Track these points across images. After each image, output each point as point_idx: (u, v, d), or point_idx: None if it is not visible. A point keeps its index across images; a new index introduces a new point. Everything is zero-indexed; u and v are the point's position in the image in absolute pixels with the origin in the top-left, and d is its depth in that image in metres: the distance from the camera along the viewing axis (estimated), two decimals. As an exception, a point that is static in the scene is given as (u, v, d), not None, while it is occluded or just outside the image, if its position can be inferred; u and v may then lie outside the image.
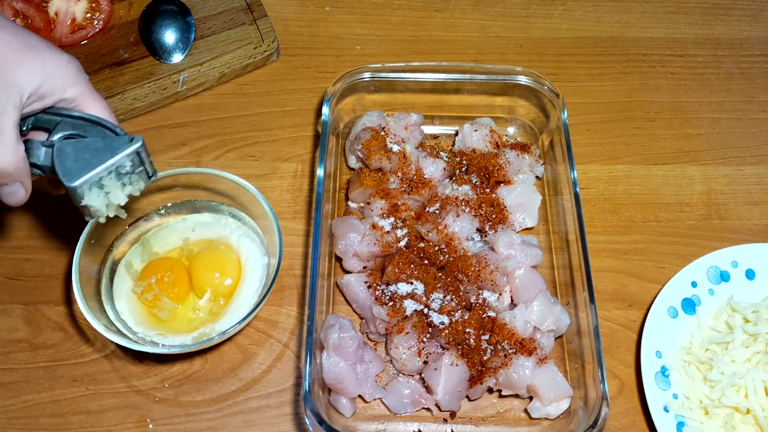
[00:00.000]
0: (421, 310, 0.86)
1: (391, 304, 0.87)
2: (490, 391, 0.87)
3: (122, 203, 0.70)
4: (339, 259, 0.93)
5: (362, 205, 0.97)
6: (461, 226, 0.91)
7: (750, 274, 0.94)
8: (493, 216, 0.94)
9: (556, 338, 0.89)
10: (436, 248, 0.90)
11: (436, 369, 0.83)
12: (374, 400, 0.86)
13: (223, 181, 0.90)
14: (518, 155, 0.98)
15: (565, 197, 0.94)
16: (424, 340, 0.85)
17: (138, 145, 0.68)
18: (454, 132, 1.06)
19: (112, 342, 0.84)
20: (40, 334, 0.90)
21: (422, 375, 0.85)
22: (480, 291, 0.88)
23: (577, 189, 0.92)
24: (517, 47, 1.19)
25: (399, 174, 0.95)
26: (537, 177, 1.01)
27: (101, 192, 0.68)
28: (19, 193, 0.67)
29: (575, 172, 0.93)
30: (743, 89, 1.16)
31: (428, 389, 0.85)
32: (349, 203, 0.99)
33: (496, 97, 1.05)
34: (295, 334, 0.92)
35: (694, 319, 0.91)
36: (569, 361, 0.89)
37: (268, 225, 0.88)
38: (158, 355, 0.89)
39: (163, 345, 0.83)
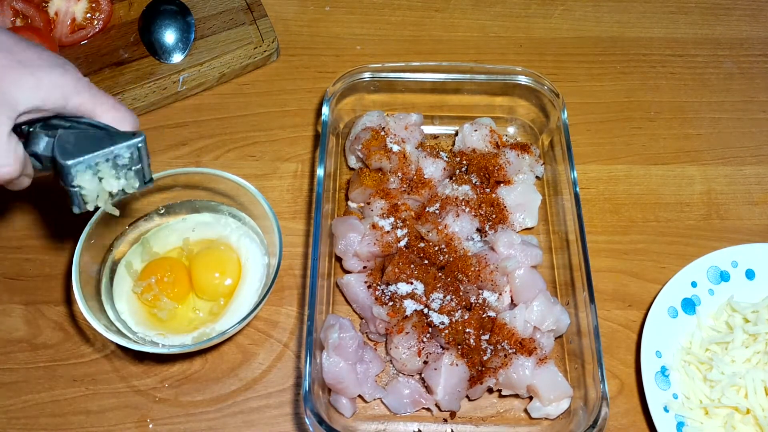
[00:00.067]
0: (421, 310, 0.86)
1: (391, 304, 0.87)
2: (490, 391, 0.87)
3: (114, 191, 0.70)
4: (339, 259, 0.93)
5: (362, 205, 0.97)
6: (461, 226, 0.91)
7: (750, 274, 0.94)
8: (493, 216, 0.94)
9: (556, 338, 0.89)
10: (436, 248, 0.90)
11: (436, 369, 0.83)
12: (374, 400, 0.86)
13: (223, 181, 0.90)
14: (518, 155, 0.98)
15: (565, 197, 0.94)
16: (424, 340, 0.85)
17: (139, 139, 0.68)
18: (454, 132, 1.06)
19: (112, 342, 0.85)
20: (40, 334, 0.90)
21: (422, 375, 0.85)
22: (480, 291, 0.88)
23: (577, 189, 0.92)
24: (517, 47, 1.19)
25: (399, 174, 0.95)
26: (537, 177, 1.01)
27: (94, 177, 0.67)
28: (23, 183, 0.69)
29: (575, 172, 0.93)
30: (743, 89, 1.16)
31: (428, 389, 0.85)
32: (349, 203, 0.99)
33: (496, 97, 1.05)
34: (295, 334, 0.92)
35: (694, 319, 0.91)
36: (569, 361, 0.89)
37: (268, 225, 0.88)
38: (158, 355, 0.89)
39: (163, 345, 0.83)
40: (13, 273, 0.94)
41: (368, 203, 0.94)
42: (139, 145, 0.68)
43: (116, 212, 0.73)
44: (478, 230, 0.93)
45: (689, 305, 0.91)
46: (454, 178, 0.98)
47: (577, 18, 1.23)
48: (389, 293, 0.88)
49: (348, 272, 0.92)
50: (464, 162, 1.00)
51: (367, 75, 0.99)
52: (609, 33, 1.21)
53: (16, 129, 0.65)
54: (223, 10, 1.13)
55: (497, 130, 1.01)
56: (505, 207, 0.95)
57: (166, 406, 0.86)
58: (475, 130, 1.00)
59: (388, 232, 0.90)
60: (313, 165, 1.05)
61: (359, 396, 0.85)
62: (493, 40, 1.19)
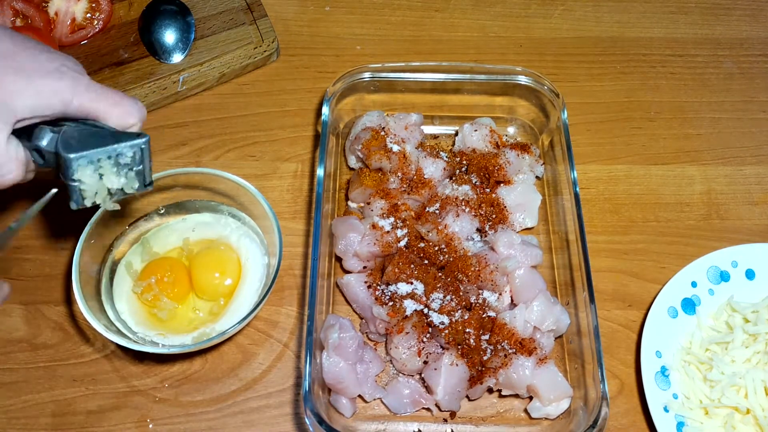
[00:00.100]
0: (421, 310, 0.86)
1: (391, 304, 0.87)
2: (490, 391, 0.87)
3: (113, 189, 0.70)
4: (339, 259, 0.93)
5: (362, 205, 0.97)
6: (461, 226, 0.91)
7: (750, 274, 0.94)
8: (493, 216, 0.94)
9: (556, 338, 0.89)
10: (436, 248, 0.90)
11: (436, 369, 0.83)
12: (374, 400, 0.86)
13: (223, 181, 0.90)
14: (518, 155, 0.98)
15: (565, 197, 0.94)
16: (424, 340, 0.85)
17: (143, 140, 0.68)
18: (454, 132, 1.06)
19: (112, 342, 0.84)
20: (40, 334, 0.90)
21: (422, 375, 0.85)
22: (480, 291, 0.88)
23: (577, 189, 0.92)
24: (517, 47, 1.19)
25: (399, 174, 0.95)
26: (537, 177, 1.01)
27: (95, 174, 0.67)
28: (27, 177, 0.69)
29: (575, 172, 0.93)
30: (743, 89, 1.16)
31: (428, 389, 0.85)
32: (349, 203, 0.99)
33: (496, 97, 1.05)
34: (295, 334, 0.92)
35: (694, 319, 0.91)
36: (569, 361, 0.89)
37: (268, 225, 0.88)
38: (158, 355, 0.89)
39: (163, 345, 0.83)
40: (13, 273, 0.94)
41: (368, 203, 0.94)
42: (143, 146, 0.68)
43: (117, 207, 0.73)
44: (478, 230, 0.93)
45: (689, 305, 0.91)
46: (454, 178, 0.98)
47: (577, 18, 1.23)
48: (389, 293, 0.88)
49: (348, 272, 0.92)
50: (464, 162, 1.00)
51: (367, 75, 0.99)
52: (609, 33, 1.21)
53: (17, 130, 0.65)
54: (223, 10, 1.13)
55: (497, 130, 1.01)
56: (505, 207, 0.95)
57: (166, 406, 0.86)
58: (475, 130, 1.00)
59: (388, 232, 0.90)
60: (313, 165, 1.05)
61: (359, 396, 0.85)
62: (493, 40, 1.19)
